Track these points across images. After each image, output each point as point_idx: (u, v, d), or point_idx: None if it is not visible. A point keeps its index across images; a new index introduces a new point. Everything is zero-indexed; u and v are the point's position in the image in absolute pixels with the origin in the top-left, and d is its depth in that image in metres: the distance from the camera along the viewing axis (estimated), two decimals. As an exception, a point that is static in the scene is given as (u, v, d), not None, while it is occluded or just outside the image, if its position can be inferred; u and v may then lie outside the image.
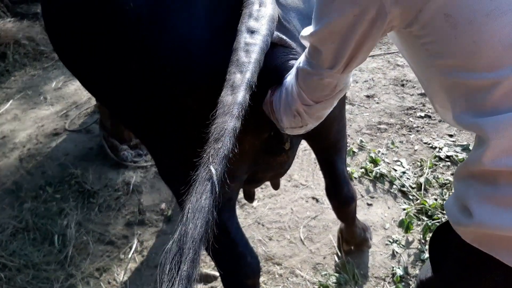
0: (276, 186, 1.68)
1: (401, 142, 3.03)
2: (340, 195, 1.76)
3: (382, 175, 2.71)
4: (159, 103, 1.07)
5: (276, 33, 0.98)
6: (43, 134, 3.36)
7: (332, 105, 0.98)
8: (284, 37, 1.00)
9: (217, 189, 0.74)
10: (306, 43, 0.91)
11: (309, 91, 0.92)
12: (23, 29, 4.54)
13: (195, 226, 0.72)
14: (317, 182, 2.71)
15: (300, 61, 0.94)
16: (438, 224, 2.31)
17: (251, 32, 0.92)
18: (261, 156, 1.18)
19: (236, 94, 0.84)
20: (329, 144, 1.54)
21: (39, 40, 4.56)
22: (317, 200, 2.58)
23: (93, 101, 3.68)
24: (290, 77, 0.98)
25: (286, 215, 2.50)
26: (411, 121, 3.23)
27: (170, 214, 2.59)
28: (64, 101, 3.81)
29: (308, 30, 0.88)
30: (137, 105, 1.13)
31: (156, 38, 0.99)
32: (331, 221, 2.43)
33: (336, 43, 0.83)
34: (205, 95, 0.99)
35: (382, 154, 2.90)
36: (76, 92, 3.94)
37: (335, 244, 2.28)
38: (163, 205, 2.66)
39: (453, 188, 0.91)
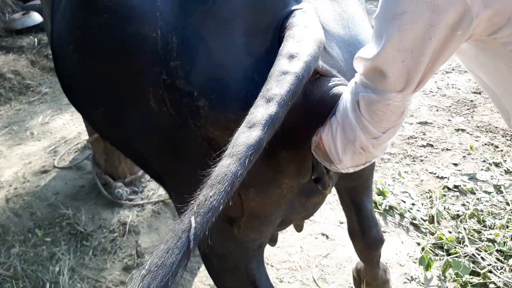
0: (300, 227, 1.55)
1: (406, 172, 2.95)
2: (369, 238, 1.63)
3: (391, 208, 2.61)
4: (187, 133, 0.95)
5: (320, 62, 0.87)
6: (31, 172, 3.17)
7: (398, 130, 0.87)
8: (328, 67, 0.90)
9: (191, 246, 0.63)
10: (363, 67, 0.81)
11: (376, 121, 0.81)
12: (8, 62, 4.41)
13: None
14: (325, 217, 2.58)
15: (353, 89, 0.83)
16: (456, 259, 2.20)
17: (291, 56, 0.80)
18: (297, 198, 1.07)
19: (251, 133, 0.72)
20: (360, 182, 1.43)
21: (25, 74, 4.42)
22: (327, 237, 2.45)
23: (83, 136, 3.52)
24: (343, 109, 0.87)
25: (296, 254, 2.36)
26: (414, 151, 3.17)
27: (171, 256, 2.41)
28: (52, 136, 3.63)
29: (367, 51, 0.78)
30: (163, 138, 1.01)
31: (187, 67, 0.88)
32: (345, 259, 2.30)
33: (407, 61, 0.73)
34: (236, 128, 0.87)
35: (389, 185, 2.81)
36: (64, 126, 3.78)
37: (352, 285, 2.13)
38: (162, 246, 2.48)
39: None
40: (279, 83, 0.77)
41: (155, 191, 2.91)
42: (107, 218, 2.68)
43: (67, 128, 3.74)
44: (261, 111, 0.74)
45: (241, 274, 1.19)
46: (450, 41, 0.71)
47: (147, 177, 3.02)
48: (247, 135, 0.72)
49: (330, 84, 0.89)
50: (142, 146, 1.10)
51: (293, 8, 0.89)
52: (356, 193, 1.52)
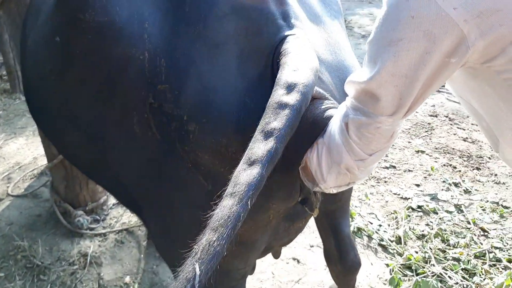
0: (278, 254, 1.52)
1: (371, 193, 3.01)
2: (346, 261, 1.62)
3: (359, 229, 2.63)
4: (174, 159, 0.91)
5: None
6: (-19, 201, 2.95)
7: (384, 154, 0.87)
8: (321, 91, 0.90)
9: None
10: (355, 91, 0.81)
11: (364, 143, 0.81)
12: (-44, 85, 4.14)
13: None
14: (296, 241, 2.55)
15: (345, 112, 0.83)
16: (424, 279, 2.24)
17: (289, 87, 0.79)
18: (282, 223, 1.04)
19: (252, 171, 0.71)
20: (339, 205, 1.43)
21: (-26, 96, 4.16)
22: (298, 261, 2.43)
23: (40, 161, 3.34)
24: (330, 131, 0.87)
25: (268, 280, 2.31)
26: (378, 172, 3.24)
27: None
28: (5, 162, 3.42)
29: (360, 76, 0.79)
30: (146, 163, 0.96)
31: (176, 90, 0.84)
32: (317, 284, 2.28)
33: (400, 86, 0.74)
34: (228, 153, 0.84)
35: (356, 207, 2.84)
36: (18, 151, 3.57)
37: (325, 310, 2.11)
38: (127, 279, 2.36)
39: None
40: (278, 116, 0.76)
41: (118, 219, 2.79)
42: (66, 250, 2.53)
43: (22, 153, 3.53)
44: (261, 147, 0.73)
45: (225, 306, 1.14)
46: (444, 69, 0.72)
47: (110, 204, 2.89)
48: (248, 173, 0.71)
49: (323, 107, 0.89)
50: (121, 172, 1.04)
51: (286, 33, 0.89)
52: (334, 216, 1.52)
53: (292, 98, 0.78)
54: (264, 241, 1.05)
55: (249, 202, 0.69)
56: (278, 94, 0.79)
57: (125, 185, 1.11)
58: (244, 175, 0.71)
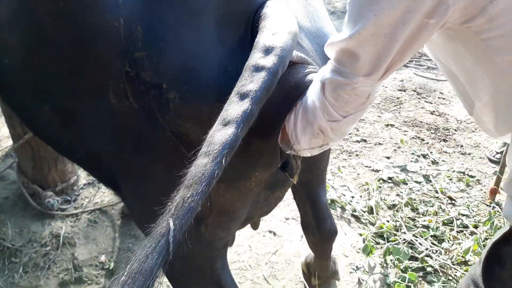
0: (256, 225, 1.53)
1: (344, 167, 3.07)
2: (324, 230, 1.65)
3: (333, 201, 2.69)
4: (153, 128, 0.89)
5: (295, 52, 0.86)
6: None
7: (359, 118, 0.88)
8: (303, 55, 0.89)
9: (170, 249, 0.62)
10: (335, 51, 0.81)
11: (338, 104, 0.82)
12: None
13: None
14: (271, 214, 2.59)
15: (323, 74, 0.83)
16: (396, 246, 2.32)
17: (266, 50, 0.79)
18: (263, 192, 1.05)
19: (226, 131, 0.71)
20: (316, 175, 1.44)
21: None
22: (274, 234, 2.47)
23: (3, 143, 3.21)
24: (310, 93, 0.87)
25: (245, 253, 2.34)
26: (349, 146, 3.30)
27: (113, 266, 2.27)
28: (-35, 145, 3.26)
29: (340, 35, 0.78)
30: (123, 134, 0.93)
31: (154, 58, 0.82)
32: (293, 255, 2.32)
33: (379, 46, 0.74)
34: (209, 121, 0.83)
35: (329, 180, 2.89)
36: (-20, 134, 3.41)
37: (302, 279, 2.16)
38: (102, 257, 2.33)
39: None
40: (254, 78, 0.76)
41: (90, 199, 2.73)
42: (37, 231, 2.46)
43: (-17, 135, 3.38)
44: (236, 108, 0.73)
45: (207, 275, 1.14)
46: (423, 30, 0.73)
47: (80, 184, 2.82)
48: (223, 133, 0.70)
49: (306, 71, 0.88)
50: (97, 146, 1.01)
51: None
52: (311, 185, 1.54)
53: (269, 61, 0.77)
54: (245, 210, 1.06)
55: (223, 160, 0.69)
56: (255, 57, 0.78)
57: (101, 159, 1.08)
58: (219, 135, 0.70)
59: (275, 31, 0.80)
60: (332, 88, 0.81)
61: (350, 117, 0.85)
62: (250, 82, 0.75)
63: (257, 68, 0.77)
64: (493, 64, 0.77)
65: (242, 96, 0.74)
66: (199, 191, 0.65)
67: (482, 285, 0.97)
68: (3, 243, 2.33)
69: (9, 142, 3.04)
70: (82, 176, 2.89)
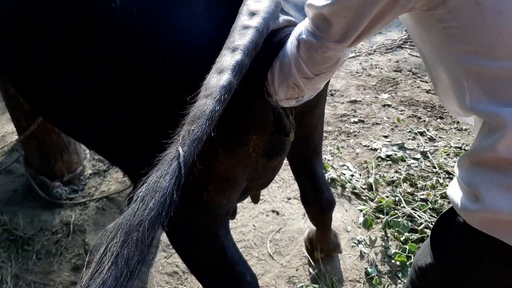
0: (257, 199, 1.60)
1: (342, 147, 3.13)
2: (322, 200, 1.72)
3: (333, 180, 2.75)
4: (155, 106, 0.95)
5: (283, 16, 0.93)
6: (-48, 181, 2.89)
7: (330, 77, 0.95)
8: (292, 19, 0.95)
9: (183, 171, 0.65)
10: (312, 13, 0.87)
11: (310, 63, 0.88)
12: None
13: (147, 208, 0.62)
14: (273, 195, 2.67)
15: (300, 31, 0.89)
16: (396, 219, 2.39)
17: (251, 14, 0.86)
18: (260, 159, 1.11)
19: (221, 77, 0.76)
20: (312, 147, 1.51)
21: None
22: (277, 213, 2.54)
23: (8, 139, 3.28)
24: (288, 48, 0.93)
25: (250, 233, 2.41)
26: (347, 127, 3.36)
27: (122, 250, 2.35)
28: (-28, 142, 3.34)
29: (319, 1, 0.84)
30: (124, 112, 1.00)
31: (151, 36, 0.88)
32: (296, 232, 2.40)
33: (349, 18, 0.80)
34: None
35: (329, 160, 2.96)
36: (-15, 130, 3.48)
37: (306, 254, 2.23)
38: (112, 242, 2.40)
39: (456, 176, 0.93)
40: (242, 35, 0.83)
41: (96, 188, 2.81)
42: (47, 220, 2.54)
43: (-11, 131, 3.45)
44: (228, 59, 0.79)
45: (210, 242, 1.21)
46: (390, 10, 0.79)
47: (87, 174, 2.89)
48: (218, 78, 0.76)
49: (289, 30, 0.95)
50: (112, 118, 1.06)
51: None
52: (308, 158, 1.60)
53: (254, 22, 0.85)
54: (245, 177, 1.12)
55: (222, 98, 0.73)
56: (241, 19, 0.86)
57: (109, 140, 1.14)
58: (214, 80, 0.75)
59: None
60: (306, 48, 0.87)
61: (321, 75, 0.92)
62: (239, 38, 0.82)
63: (244, 27, 0.84)
64: (449, 51, 0.82)
65: (233, 50, 0.80)
66: (202, 124, 0.69)
67: (431, 254, 1.05)
68: (15, 232, 2.41)
69: (14, 137, 3.12)
70: (88, 166, 2.96)
